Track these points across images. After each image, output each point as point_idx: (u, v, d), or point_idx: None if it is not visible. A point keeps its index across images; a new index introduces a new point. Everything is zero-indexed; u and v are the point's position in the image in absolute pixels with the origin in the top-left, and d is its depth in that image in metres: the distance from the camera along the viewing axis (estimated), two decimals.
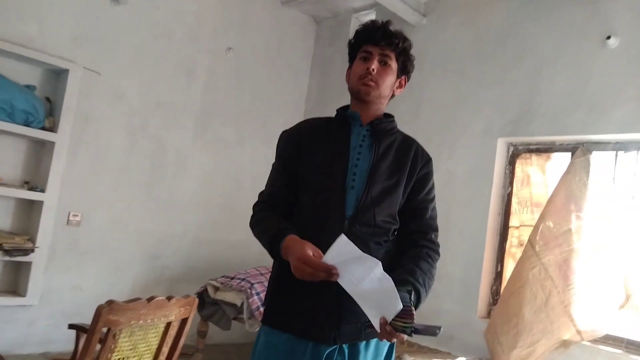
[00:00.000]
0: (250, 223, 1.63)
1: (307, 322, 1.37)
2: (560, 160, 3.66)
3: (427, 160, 1.68)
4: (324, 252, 1.34)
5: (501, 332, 3.25)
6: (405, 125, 4.82)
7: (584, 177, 3.29)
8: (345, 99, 1.71)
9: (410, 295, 1.36)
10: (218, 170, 4.71)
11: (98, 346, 1.73)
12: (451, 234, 3.97)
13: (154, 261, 4.38)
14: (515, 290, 3.27)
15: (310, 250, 1.35)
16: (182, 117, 4.50)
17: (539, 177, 3.82)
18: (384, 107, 1.70)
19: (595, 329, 3.08)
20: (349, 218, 1.53)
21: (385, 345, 1.61)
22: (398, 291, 1.29)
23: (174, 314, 1.94)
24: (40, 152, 3.80)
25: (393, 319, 1.28)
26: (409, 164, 1.63)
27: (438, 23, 4.42)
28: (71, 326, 2.37)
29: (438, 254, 1.63)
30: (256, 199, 1.70)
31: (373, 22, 1.65)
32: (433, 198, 1.68)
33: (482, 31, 4.11)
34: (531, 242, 3.30)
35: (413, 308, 1.31)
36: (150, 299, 1.80)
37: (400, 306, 1.27)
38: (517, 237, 3.82)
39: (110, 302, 1.67)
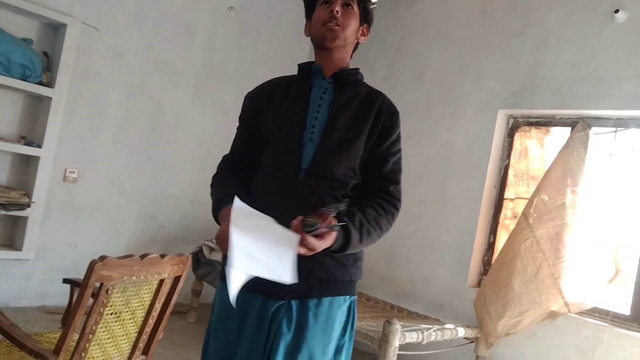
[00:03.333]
0: (210, 183, 1.64)
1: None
2: (560, 135, 3.65)
3: (393, 113, 1.61)
4: (281, 207, 1.40)
5: (490, 302, 3.31)
6: (406, 93, 4.80)
7: (582, 152, 3.29)
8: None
9: (336, 208, 1.33)
10: (217, 133, 4.69)
11: (91, 300, 1.75)
12: (447, 204, 3.99)
13: (150, 221, 4.41)
14: (506, 261, 3.30)
15: None
16: (181, 78, 4.46)
17: (537, 150, 3.81)
18: (349, 56, 1.65)
19: (582, 301, 3.13)
20: (304, 170, 1.50)
21: (340, 307, 1.55)
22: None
23: (167, 271, 1.96)
24: (37, 108, 3.77)
25: (306, 217, 1.31)
26: (372, 117, 1.57)
27: None
28: (65, 280, 2.39)
29: (395, 207, 1.56)
30: None
31: None
32: (397, 152, 1.61)
33: (488, 0, 4.03)
34: (525, 214, 3.32)
35: (331, 216, 1.31)
36: (143, 256, 1.81)
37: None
38: (511, 210, 3.84)
39: (103, 258, 1.68)
